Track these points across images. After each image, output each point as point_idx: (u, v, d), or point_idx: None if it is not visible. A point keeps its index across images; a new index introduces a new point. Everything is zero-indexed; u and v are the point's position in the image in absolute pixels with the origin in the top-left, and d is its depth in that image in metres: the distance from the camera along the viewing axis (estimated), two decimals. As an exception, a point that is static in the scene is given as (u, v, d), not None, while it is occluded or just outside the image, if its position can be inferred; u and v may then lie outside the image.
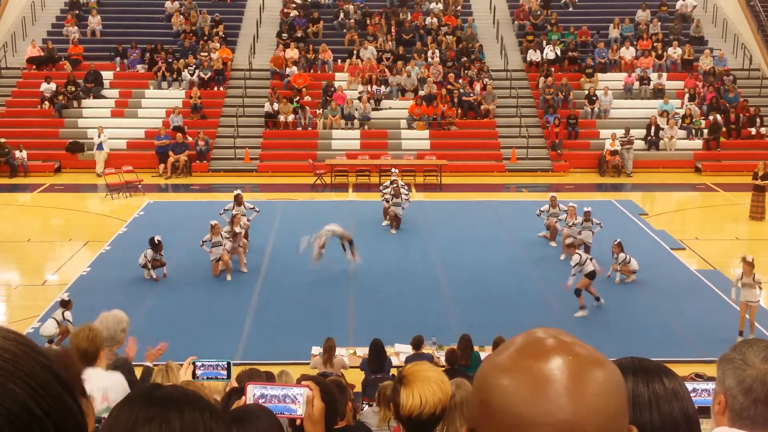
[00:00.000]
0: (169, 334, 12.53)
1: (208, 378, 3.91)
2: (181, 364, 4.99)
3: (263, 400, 2.87)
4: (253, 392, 2.90)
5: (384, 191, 20.48)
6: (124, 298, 15.13)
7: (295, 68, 29.97)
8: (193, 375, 3.83)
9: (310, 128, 28.25)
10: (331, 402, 3.49)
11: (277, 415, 2.84)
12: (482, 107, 28.74)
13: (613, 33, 32.00)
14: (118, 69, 30.49)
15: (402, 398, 3.21)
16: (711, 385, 2.37)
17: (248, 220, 18.39)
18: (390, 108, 29.14)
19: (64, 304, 13.51)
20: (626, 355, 2.08)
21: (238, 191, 19.05)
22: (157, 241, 16.42)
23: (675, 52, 31.00)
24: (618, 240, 16.59)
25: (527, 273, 17.20)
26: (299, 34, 31.72)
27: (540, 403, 1.13)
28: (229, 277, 16.74)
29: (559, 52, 30.92)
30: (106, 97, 29.39)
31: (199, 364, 3.90)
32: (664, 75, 30.28)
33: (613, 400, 1.17)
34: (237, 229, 17.26)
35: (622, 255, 16.36)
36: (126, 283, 16.30)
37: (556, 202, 19.02)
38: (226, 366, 3.91)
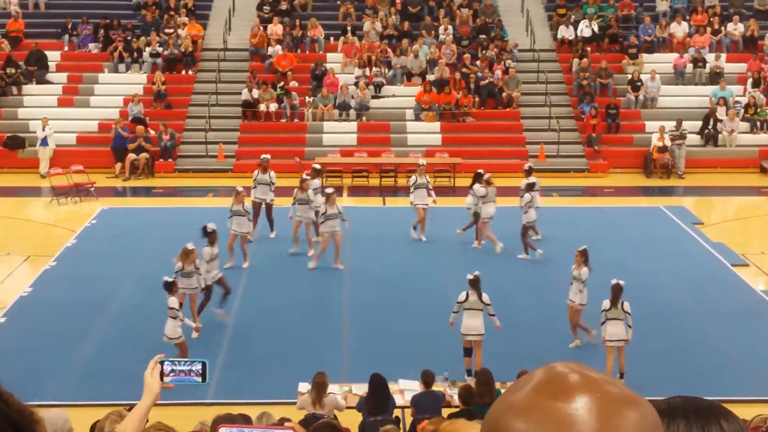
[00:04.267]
0: (123, 369, 12.52)
1: (178, 384, 3.81)
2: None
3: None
4: None
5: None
6: (71, 324, 15.12)
7: (279, 48, 30.03)
8: (161, 376, 3.75)
9: (296, 120, 28.29)
10: None
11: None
12: (504, 94, 28.77)
13: (662, 6, 32.06)
14: (66, 49, 30.57)
15: None
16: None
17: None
18: (393, 96, 29.19)
19: (168, 287, 13.57)
20: (674, 393, 2.06)
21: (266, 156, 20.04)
22: (210, 230, 15.64)
23: (736, 28, 31.04)
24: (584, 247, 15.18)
25: (556, 296, 17.04)
26: (284, 6, 31.79)
27: None
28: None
29: (596, 29, 30.97)
30: (52, 83, 29.46)
31: (168, 367, 3.79)
32: (723, 56, 30.32)
33: None
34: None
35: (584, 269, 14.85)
36: (74, 307, 16.23)
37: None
38: (200, 370, 3.82)
